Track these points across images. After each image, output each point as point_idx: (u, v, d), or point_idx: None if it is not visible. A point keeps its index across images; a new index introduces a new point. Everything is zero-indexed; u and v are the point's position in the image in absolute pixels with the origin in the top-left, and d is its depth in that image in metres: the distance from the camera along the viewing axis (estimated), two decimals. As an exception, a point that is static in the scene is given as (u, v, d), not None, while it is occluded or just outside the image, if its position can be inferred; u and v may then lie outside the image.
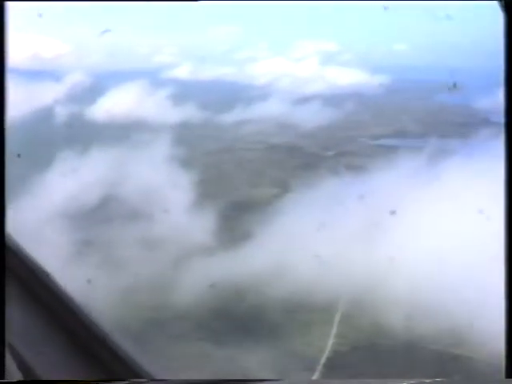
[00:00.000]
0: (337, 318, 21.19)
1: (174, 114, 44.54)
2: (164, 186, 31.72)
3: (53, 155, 32.96)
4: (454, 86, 33.21)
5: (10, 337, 1.61)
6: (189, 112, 45.41)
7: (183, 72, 60.21)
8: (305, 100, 55.57)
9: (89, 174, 31.76)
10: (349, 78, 69.82)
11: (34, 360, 1.72)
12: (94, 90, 45.70)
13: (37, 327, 1.96)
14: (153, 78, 49.59)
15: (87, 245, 24.62)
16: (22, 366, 1.58)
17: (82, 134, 36.94)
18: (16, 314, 1.96)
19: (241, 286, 21.93)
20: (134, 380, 1.74)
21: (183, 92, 49.55)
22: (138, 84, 46.85)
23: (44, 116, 38.70)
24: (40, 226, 24.26)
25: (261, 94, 55.08)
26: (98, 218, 28.08)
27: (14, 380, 0.88)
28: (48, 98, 40.68)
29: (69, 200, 28.62)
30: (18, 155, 27.80)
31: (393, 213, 22.35)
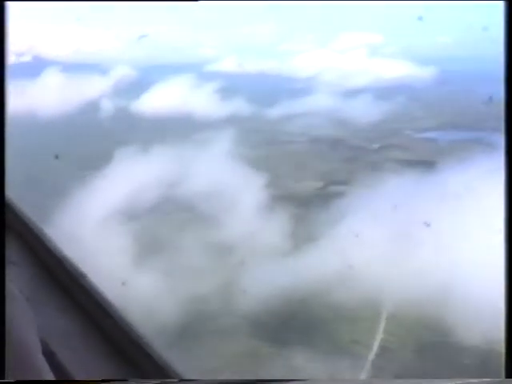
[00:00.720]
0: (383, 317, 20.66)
1: (222, 108, 43.45)
2: (229, 186, 30.18)
3: (107, 152, 31.76)
4: (490, 99, 31.25)
5: (45, 335, 1.52)
6: (237, 106, 44.34)
7: (227, 66, 59.27)
8: (352, 93, 54.48)
9: (147, 172, 30.30)
10: (396, 70, 68.54)
11: (68, 359, 1.87)
12: (140, 84, 44.89)
13: (73, 327, 2.07)
14: (198, 71, 48.63)
15: (148, 248, 23.42)
16: (55, 364, 1.71)
17: (133, 129, 35.97)
18: (53, 314, 2.12)
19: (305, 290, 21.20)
20: (165, 380, 1.80)
21: (229, 86, 48.64)
22: (185, 78, 46.06)
23: (90, 110, 37.77)
24: (96, 228, 23.04)
25: (307, 86, 54.12)
26: (159, 219, 26.66)
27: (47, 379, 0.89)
28: (94, 92, 39.72)
29: (128, 200, 27.20)
30: (56, 156, 26.50)
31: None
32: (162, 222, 26.47)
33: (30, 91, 37.17)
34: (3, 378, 0.83)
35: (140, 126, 36.79)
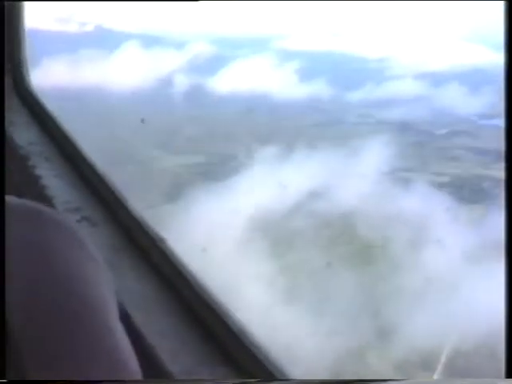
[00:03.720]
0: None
1: (301, 89, 42.98)
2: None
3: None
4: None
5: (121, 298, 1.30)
6: (318, 88, 43.67)
7: (297, 42, 58.63)
8: (425, 77, 52.62)
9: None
10: (471, 54, 66.23)
11: (143, 322, 1.89)
12: (216, 59, 44.90)
13: (150, 291, 2.08)
14: (267, 47, 48.18)
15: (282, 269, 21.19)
16: (130, 326, 1.69)
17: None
18: (130, 277, 2.12)
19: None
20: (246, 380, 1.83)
21: (305, 65, 47.98)
22: (257, 55, 45.69)
23: (165, 86, 38.09)
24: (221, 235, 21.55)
25: (381, 68, 52.79)
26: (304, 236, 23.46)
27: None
28: (169, 67, 40.06)
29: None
30: (142, 120, 26.14)
31: None
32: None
33: (98, 63, 37.44)
34: (3, 378, 0.84)
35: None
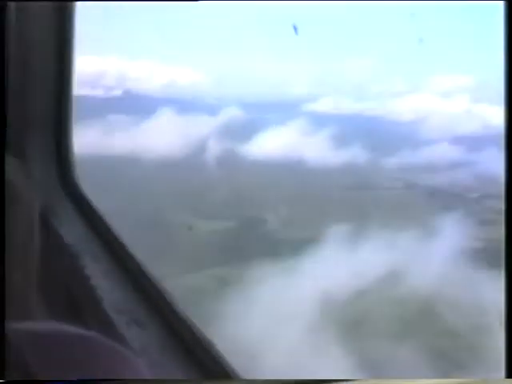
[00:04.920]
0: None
1: (335, 154, 43.04)
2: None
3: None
4: None
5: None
6: (352, 152, 43.69)
7: (323, 105, 59.11)
8: (464, 140, 52.14)
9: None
10: (500, 115, 65.55)
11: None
12: (248, 124, 45.45)
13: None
14: (295, 110, 48.76)
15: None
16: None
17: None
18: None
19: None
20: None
21: (339, 129, 48.23)
22: (290, 119, 46.06)
23: (199, 153, 38.57)
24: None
25: (413, 131, 52.61)
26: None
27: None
28: (201, 133, 40.71)
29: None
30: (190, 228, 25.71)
31: None
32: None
33: (128, 128, 38.11)
34: (3, 378, 0.86)
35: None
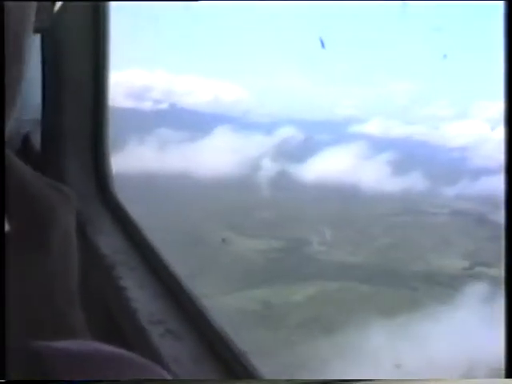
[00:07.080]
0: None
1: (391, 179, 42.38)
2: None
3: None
4: None
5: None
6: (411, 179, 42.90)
7: (373, 127, 58.66)
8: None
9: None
10: None
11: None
12: (303, 145, 45.38)
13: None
14: (342, 132, 48.43)
15: None
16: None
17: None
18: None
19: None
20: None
21: (397, 155, 47.60)
22: (340, 140, 45.74)
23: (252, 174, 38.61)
24: None
25: (464, 157, 51.41)
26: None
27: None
28: (256, 152, 40.73)
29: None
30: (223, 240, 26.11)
31: None
32: None
33: (183, 145, 38.39)
34: (3, 378, 0.83)
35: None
